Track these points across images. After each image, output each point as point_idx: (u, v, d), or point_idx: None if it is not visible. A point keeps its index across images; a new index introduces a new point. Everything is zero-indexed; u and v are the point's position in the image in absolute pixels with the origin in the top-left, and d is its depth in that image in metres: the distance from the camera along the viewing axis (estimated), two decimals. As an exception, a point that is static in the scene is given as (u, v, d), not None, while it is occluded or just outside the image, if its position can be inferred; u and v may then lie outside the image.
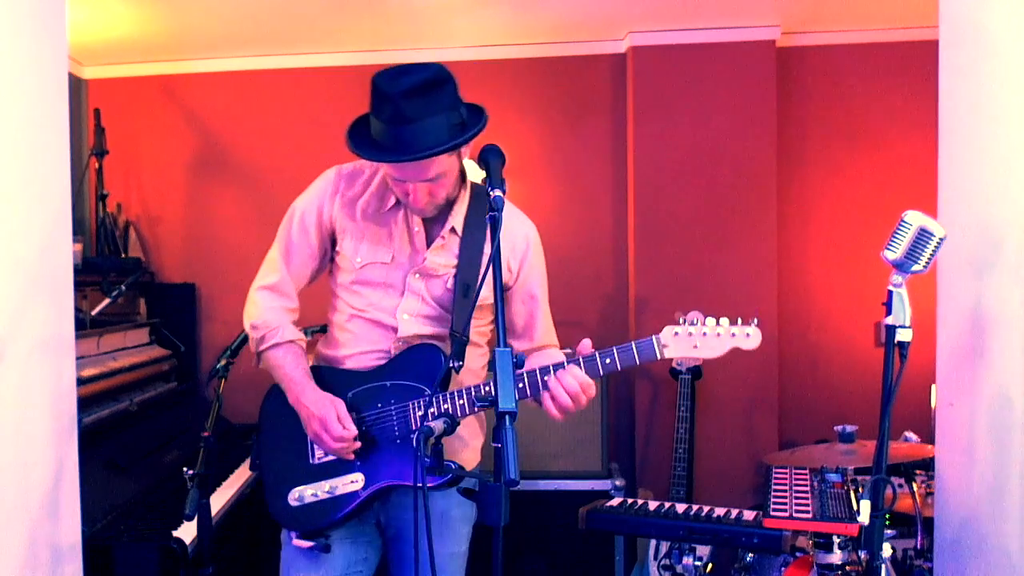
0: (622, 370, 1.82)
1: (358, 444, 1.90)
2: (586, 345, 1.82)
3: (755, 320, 1.78)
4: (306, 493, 1.96)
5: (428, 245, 1.98)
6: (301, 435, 1.97)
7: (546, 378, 1.79)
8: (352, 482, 1.93)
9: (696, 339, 1.78)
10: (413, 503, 1.60)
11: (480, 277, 1.91)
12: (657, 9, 3.51)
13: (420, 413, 1.88)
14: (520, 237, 2.03)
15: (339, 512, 1.94)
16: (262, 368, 2.05)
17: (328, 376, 2.00)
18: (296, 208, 2.04)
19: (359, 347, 2.01)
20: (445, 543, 2.02)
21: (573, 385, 1.78)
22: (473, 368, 2.01)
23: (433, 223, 1.99)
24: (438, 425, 1.74)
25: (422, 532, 1.53)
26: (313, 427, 1.90)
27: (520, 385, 1.81)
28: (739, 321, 1.78)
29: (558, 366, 1.79)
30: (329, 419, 1.88)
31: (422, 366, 1.92)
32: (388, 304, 1.98)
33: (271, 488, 2.01)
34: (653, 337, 1.79)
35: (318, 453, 1.97)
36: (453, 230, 1.98)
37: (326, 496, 1.94)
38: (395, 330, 1.98)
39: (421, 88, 1.74)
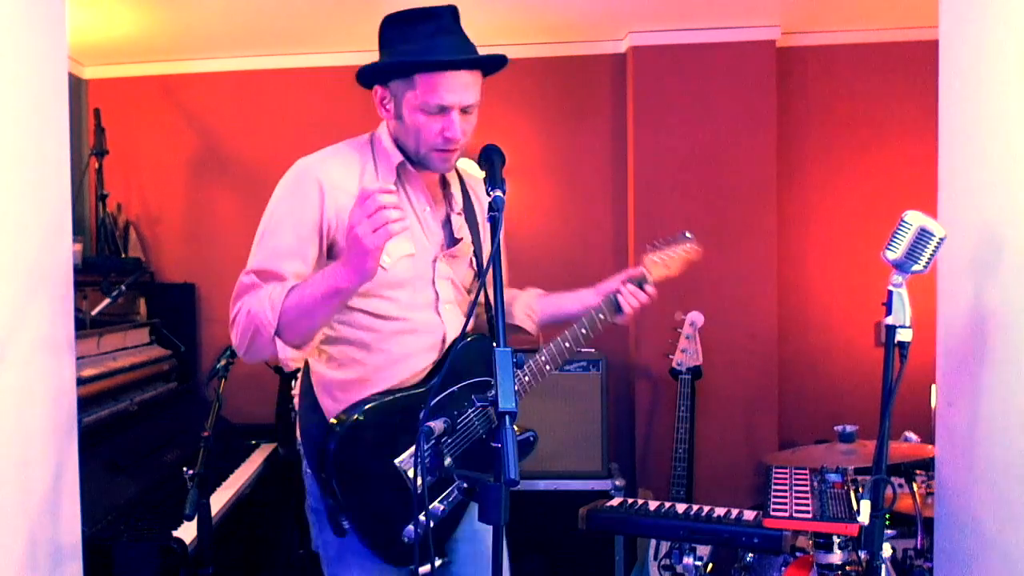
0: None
1: (399, 208, 1.56)
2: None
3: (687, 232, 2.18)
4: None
5: (442, 225, 1.90)
6: (391, 469, 1.77)
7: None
8: (458, 493, 1.79)
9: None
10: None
11: (487, 249, 1.87)
12: (657, 9, 3.51)
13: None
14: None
15: (455, 524, 1.87)
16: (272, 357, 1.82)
17: (385, 403, 1.77)
18: (281, 223, 1.75)
19: (406, 363, 1.82)
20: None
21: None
22: None
23: (436, 205, 1.91)
24: (438, 425, 1.74)
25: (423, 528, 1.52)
26: (351, 218, 1.56)
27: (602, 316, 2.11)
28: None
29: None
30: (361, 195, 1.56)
31: (486, 359, 1.59)
32: (422, 300, 1.83)
33: (383, 540, 1.77)
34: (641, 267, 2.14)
35: (416, 479, 1.68)
36: (459, 211, 1.93)
37: (441, 515, 1.80)
38: (443, 335, 1.84)
39: (454, 12, 1.80)
